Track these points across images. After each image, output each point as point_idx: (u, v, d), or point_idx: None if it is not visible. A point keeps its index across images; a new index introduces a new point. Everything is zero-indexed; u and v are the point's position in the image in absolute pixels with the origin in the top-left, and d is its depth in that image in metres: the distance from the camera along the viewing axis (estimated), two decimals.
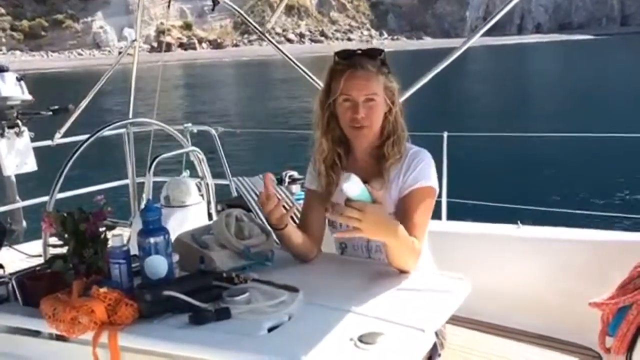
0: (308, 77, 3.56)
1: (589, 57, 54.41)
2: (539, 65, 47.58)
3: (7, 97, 3.85)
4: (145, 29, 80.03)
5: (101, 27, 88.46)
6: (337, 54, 2.09)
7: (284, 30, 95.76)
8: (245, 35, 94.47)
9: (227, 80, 49.09)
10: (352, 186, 1.64)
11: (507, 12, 2.97)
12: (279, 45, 3.95)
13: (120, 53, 5.16)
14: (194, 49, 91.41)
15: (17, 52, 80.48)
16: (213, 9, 3.90)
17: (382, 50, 2.09)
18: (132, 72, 4.63)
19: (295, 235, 2.02)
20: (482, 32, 3.09)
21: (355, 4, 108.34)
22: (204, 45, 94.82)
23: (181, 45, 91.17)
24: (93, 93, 4.63)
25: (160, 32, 60.66)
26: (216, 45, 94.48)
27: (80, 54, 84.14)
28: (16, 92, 3.89)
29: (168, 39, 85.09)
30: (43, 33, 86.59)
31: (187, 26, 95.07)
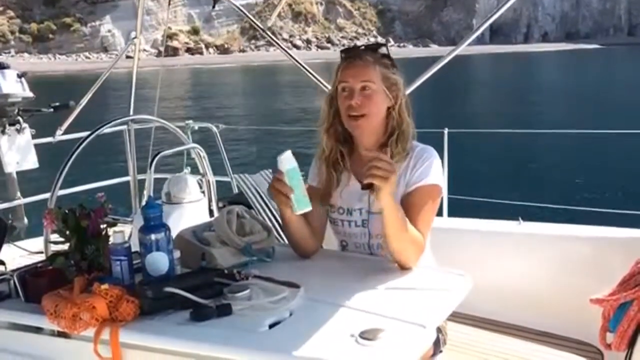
0: (312, 77, 3.56)
1: (596, 66, 54.12)
2: (546, 73, 47.29)
3: (8, 94, 3.84)
4: (152, 34, 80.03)
5: (109, 31, 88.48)
6: (342, 51, 2.13)
7: (290, 36, 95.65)
8: (253, 41, 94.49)
9: (233, 83, 49.08)
10: (289, 159, 1.83)
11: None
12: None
13: (127, 57, 5.15)
14: (201, 53, 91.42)
15: (25, 55, 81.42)
16: (213, 7, 3.90)
17: (384, 44, 2.11)
18: (134, 70, 4.63)
19: (301, 220, 2.00)
20: (470, 39, 3.12)
21: (362, 11, 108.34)
22: (210, 50, 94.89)
23: (188, 50, 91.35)
24: (93, 90, 4.63)
25: (167, 36, 61.39)
26: (223, 50, 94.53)
27: (87, 57, 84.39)
28: (17, 89, 3.88)
29: (175, 43, 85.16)
30: (51, 36, 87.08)
31: (195, 31, 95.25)
